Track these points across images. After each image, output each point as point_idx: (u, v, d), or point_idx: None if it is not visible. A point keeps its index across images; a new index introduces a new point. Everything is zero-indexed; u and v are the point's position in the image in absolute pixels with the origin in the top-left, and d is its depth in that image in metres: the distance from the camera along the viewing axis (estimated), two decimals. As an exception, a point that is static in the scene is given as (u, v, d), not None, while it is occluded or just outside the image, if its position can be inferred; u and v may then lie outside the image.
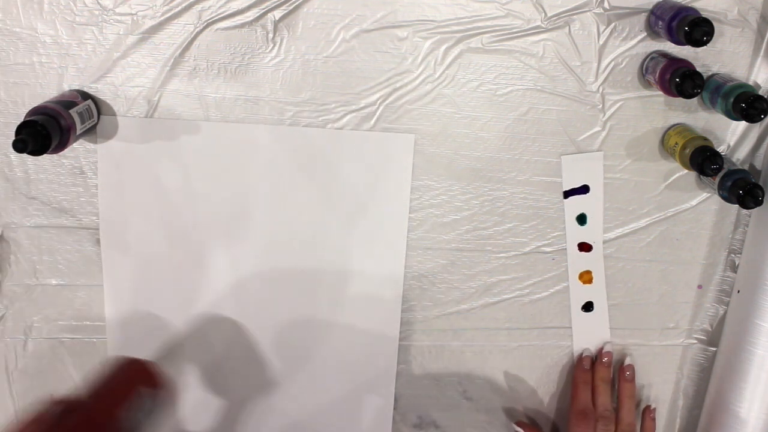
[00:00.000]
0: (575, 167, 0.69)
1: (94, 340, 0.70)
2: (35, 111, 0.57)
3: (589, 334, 0.74)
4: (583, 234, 0.71)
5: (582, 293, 0.73)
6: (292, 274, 0.70)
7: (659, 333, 0.75)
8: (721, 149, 0.69)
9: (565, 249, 0.72)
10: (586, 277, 0.72)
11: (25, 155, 0.64)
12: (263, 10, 0.62)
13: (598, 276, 0.72)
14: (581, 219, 0.71)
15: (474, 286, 0.72)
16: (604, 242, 0.72)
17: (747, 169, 0.69)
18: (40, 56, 0.62)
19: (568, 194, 0.70)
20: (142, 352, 0.70)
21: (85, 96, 0.63)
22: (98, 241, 0.68)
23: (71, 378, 0.71)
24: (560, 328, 0.74)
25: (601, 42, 0.66)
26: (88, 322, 0.70)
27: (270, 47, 0.64)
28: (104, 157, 0.65)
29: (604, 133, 0.69)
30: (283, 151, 0.66)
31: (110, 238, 0.67)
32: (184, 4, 0.62)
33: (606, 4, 0.64)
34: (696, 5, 0.64)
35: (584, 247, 0.72)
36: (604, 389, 0.71)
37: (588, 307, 0.73)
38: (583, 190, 0.70)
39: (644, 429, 0.73)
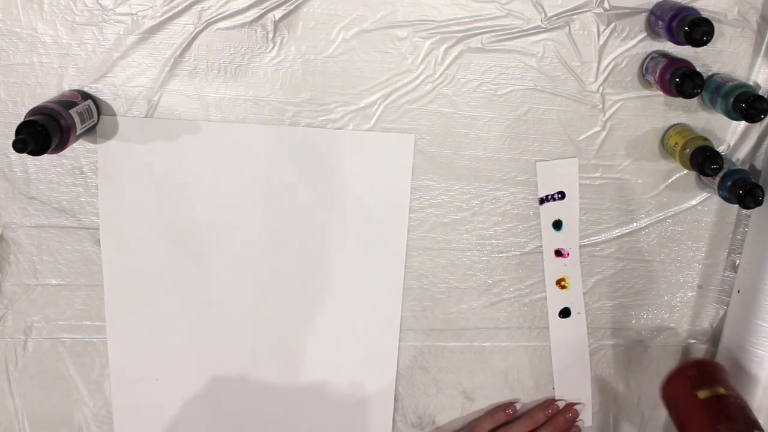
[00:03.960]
0: (550, 173, 0.69)
1: (94, 340, 0.70)
2: (35, 111, 0.57)
3: (567, 340, 0.74)
4: (559, 240, 0.71)
5: (559, 299, 0.73)
6: (291, 274, 0.70)
7: (659, 333, 0.75)
8: (721, 149, 0.70)
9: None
10: (562, 283, 0.72)
11: (25, 155, 0.64)
12: (263, 10, 0.62)
13: (574, 282, 0.72)
14: (557, 225, 0.71)
15: (474, 286, 0.72)
16: (605, 242, 0.72)
17: (747, 169, 0.69)
18: (40, 56, 0.62)
19: (543, 200, 0.70)
20: (142, 352, 0.70)
21: (85, 96, 0.63)
22: (98, 241, 0.68)
23: (71, 378, 0.71)
24: (560, 328, 0.74)
25: (601, 42, 0.66)
26: (88, 322, 0.70)
27: (270, 47, 0.64)
28: (104, 157, 0.65)
29: (604, 133, 0.69)
30: (283, 151, 0.66)
31: (110, 238, 0.67)
32: (184, 4, 0.62)
33: (606, 4, 0.64)
34: (696, 5, 0.64)
35: (560, 253, 0.72)
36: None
37: (565, 313, 0.73)
38: (559, 196, 0.70)
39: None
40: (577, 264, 0.72)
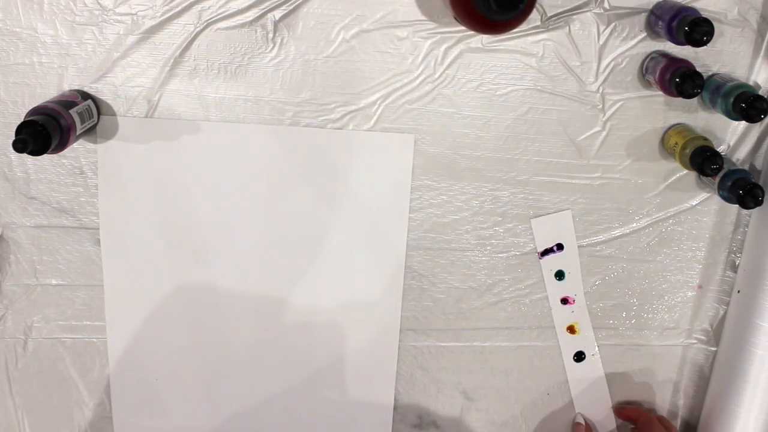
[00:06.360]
0: (546, 228, 0.70)
1: (94, 340, 0.70)
2: (35, 111, 0.57)
3: (585, 383, 0.75)
4: (563, 289, 0.72)
5: (571, 344, 0.74)
6: (291, 274, 0.70)
7: (659, 333, 0.75)
8: (721, 149, 0.70)
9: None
10: (572, 328, 0.73)
11: (25, 155, 0.64)
12: (263, 10, 0.62)
13: (584, 326, 0.73)
14: (559, 275, 0.72)
15: (474, 286, 0.72)
16: (605, 242, 0.72)
17: (747, 169, 0.69)
18: (40, 56, 0.62)
19: (543, 254, 0.71)
20: (142, 352, 0.70)
21: (85, 96, 0.63)
22: (98, 241, 0.68)
23: (71, 378, 0.71)
24: (560, 328, 0.74)
25: (601, 42, 0.66)
26: (88, 322, 0.70)
27: (270, 47, 0.64)
28: (104, 157, 0.65)
29: (604, 133, 0.69)
30: (283, 151, 0.66)
31: (110, 238, 0.67)
32: (184, 4, 0.62)
33: (606, 4, 0.64)
34: (696, 5, 0.64)
35: (566, 300, 0.72)
36: None
37: (579, 356, 0.74)
38: (558, 248, 0.71)
39: None
40: (585, 308, 0.73)
